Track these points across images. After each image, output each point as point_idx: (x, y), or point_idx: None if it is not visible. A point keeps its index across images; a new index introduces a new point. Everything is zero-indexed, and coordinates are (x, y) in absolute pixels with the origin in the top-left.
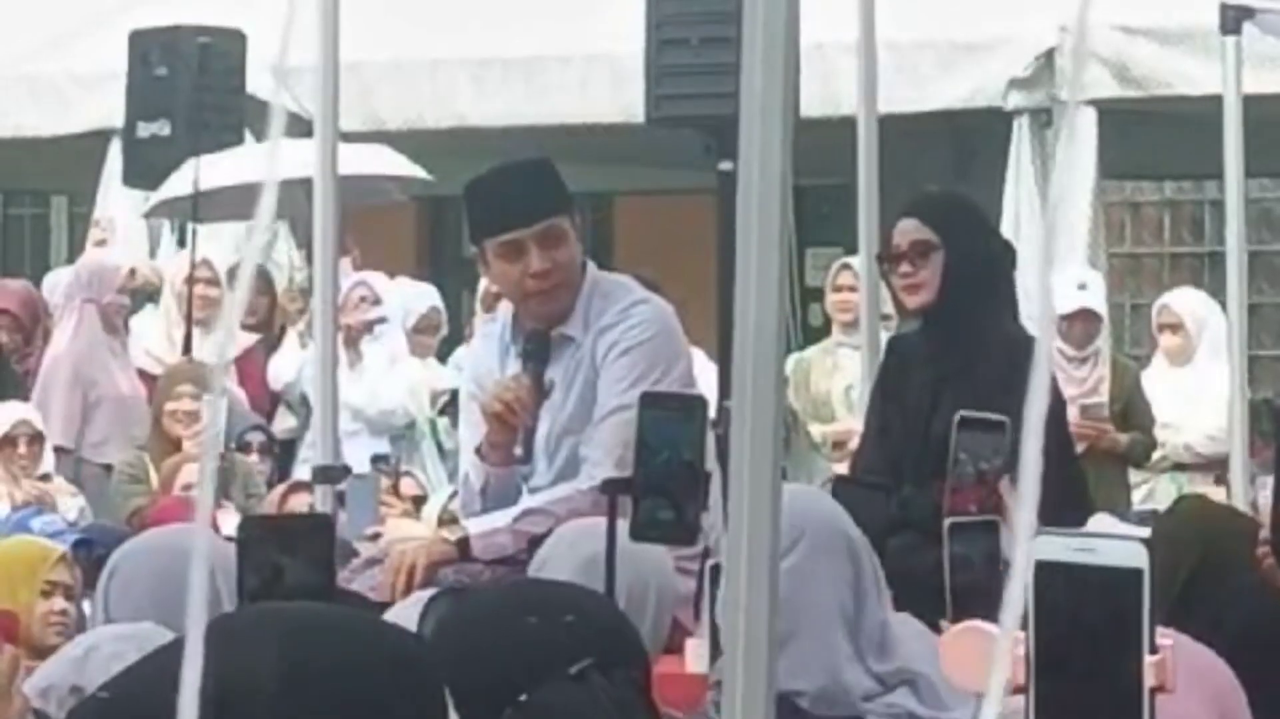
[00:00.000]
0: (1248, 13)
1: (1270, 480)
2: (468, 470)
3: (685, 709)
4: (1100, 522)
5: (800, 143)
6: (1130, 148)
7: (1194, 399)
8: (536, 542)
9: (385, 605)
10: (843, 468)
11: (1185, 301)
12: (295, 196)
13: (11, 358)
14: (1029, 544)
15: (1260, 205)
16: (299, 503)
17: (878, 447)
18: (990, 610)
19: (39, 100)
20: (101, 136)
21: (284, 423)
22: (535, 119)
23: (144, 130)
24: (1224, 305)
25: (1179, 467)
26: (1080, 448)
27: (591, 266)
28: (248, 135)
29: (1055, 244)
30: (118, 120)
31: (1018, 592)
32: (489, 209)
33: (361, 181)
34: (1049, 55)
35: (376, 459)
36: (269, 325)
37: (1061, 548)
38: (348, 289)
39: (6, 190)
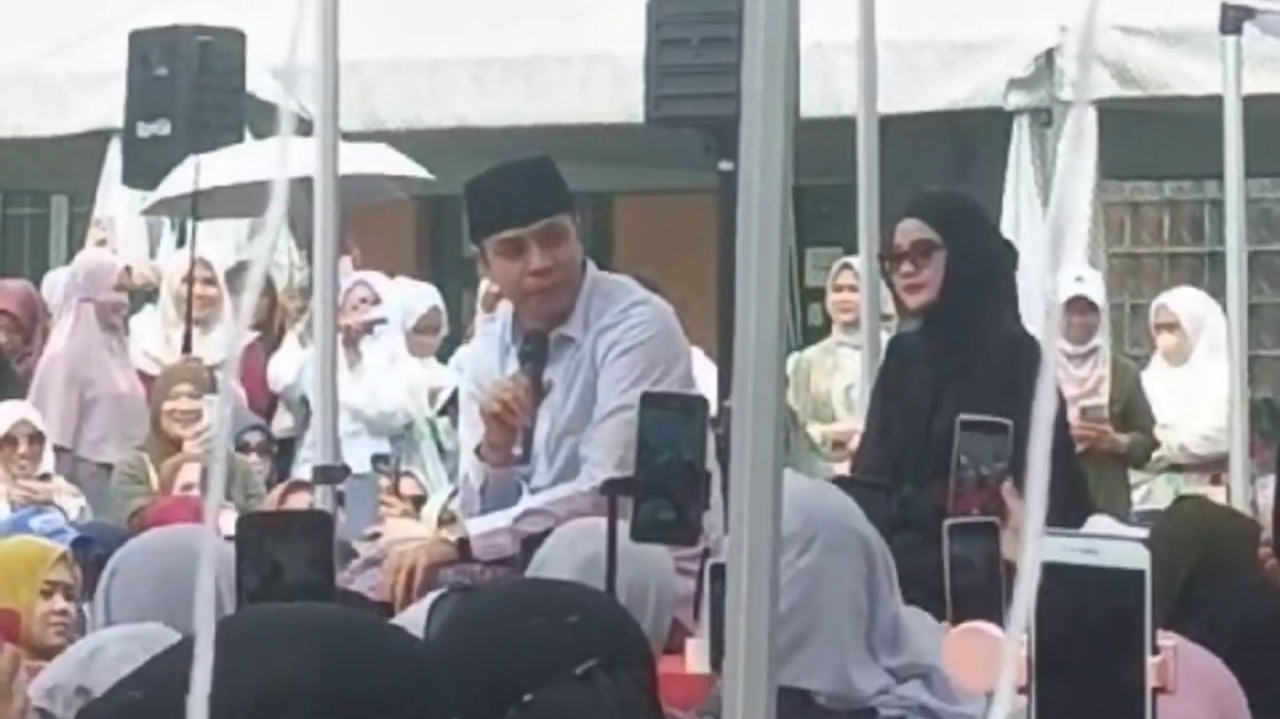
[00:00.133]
0: (1248, 13)
1: (1270, 480)
2: (467, 470)
3: (685, 709)
4: (1099, 524)
5: (800, 143)
6: (1130, 148)
7: (1190, 399)
8: (531, 542)
9: (385, 605)
10: (843, 468)
11: (1182, 301)
12: (295, 196)
13: (11, 358)
14: (1037, 546)
15: (1260, 205)
16: (298, 502)
17: (878, 446)
18: (990, 612)
19: (39, 100)
20: (101, 136)
21: (283, 423)
22: (535, 119)
23: (144, 130)
24: (1224, 305)
25: (1175, 467)
26: (1080, 448)
27: (591, 267)
28: (248, 135)
29: (1062, 247)
30: (118, 120)
31: (1026, 593)
32: (489, 207)
33: (361, 181)
34: (1049, 55)
35: (377, 459)
36: (269, 325)
37: (1063, 549)
38: (347, 289)
39: (6, 190)
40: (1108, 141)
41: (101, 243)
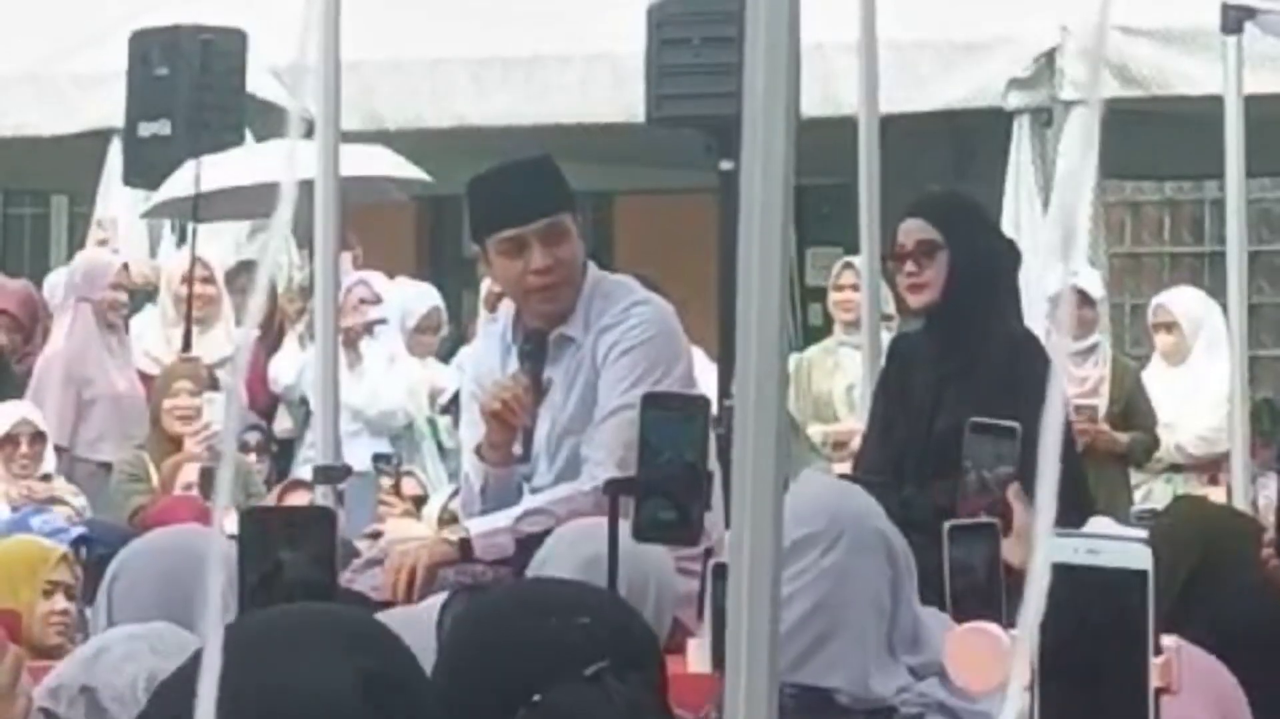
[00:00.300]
0: (1249, 13)
1: (1271, 480)
2: (468, 470)
3: (686, 709)
4: (1098, 526)
5: (800, 142)
6: (1131, 147)
7: (1188, 399)
8: (530, 542)
9: (387, 605)
10: (845, 468)
11: (1180, 301)
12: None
13: (11, 358)
14: (1046, 547)
15: (1260, 205)
16: (298, 501)
17: (880, 446)
18: (990, 614)
19: (40, 100)
20: (102, 136)
21: (284, 424)
22: (536, 118)
23: (144, 130)
24: (1224, 305)
25: (1174, 467)
26: (1078, 448)
27: (593, 267)
28: (248, 135)
29: (1072, 248)
30: (118, 120)
31: (1036, 593)
32: (491, 206)
33: (360, 183)
34: (1049, 55)
35: (378, 459)
36: (269, 325)
37: (1066, 549)
38: (347, 288)
39: (7, 190)
40: (1108, 141)
41: (103, 243)
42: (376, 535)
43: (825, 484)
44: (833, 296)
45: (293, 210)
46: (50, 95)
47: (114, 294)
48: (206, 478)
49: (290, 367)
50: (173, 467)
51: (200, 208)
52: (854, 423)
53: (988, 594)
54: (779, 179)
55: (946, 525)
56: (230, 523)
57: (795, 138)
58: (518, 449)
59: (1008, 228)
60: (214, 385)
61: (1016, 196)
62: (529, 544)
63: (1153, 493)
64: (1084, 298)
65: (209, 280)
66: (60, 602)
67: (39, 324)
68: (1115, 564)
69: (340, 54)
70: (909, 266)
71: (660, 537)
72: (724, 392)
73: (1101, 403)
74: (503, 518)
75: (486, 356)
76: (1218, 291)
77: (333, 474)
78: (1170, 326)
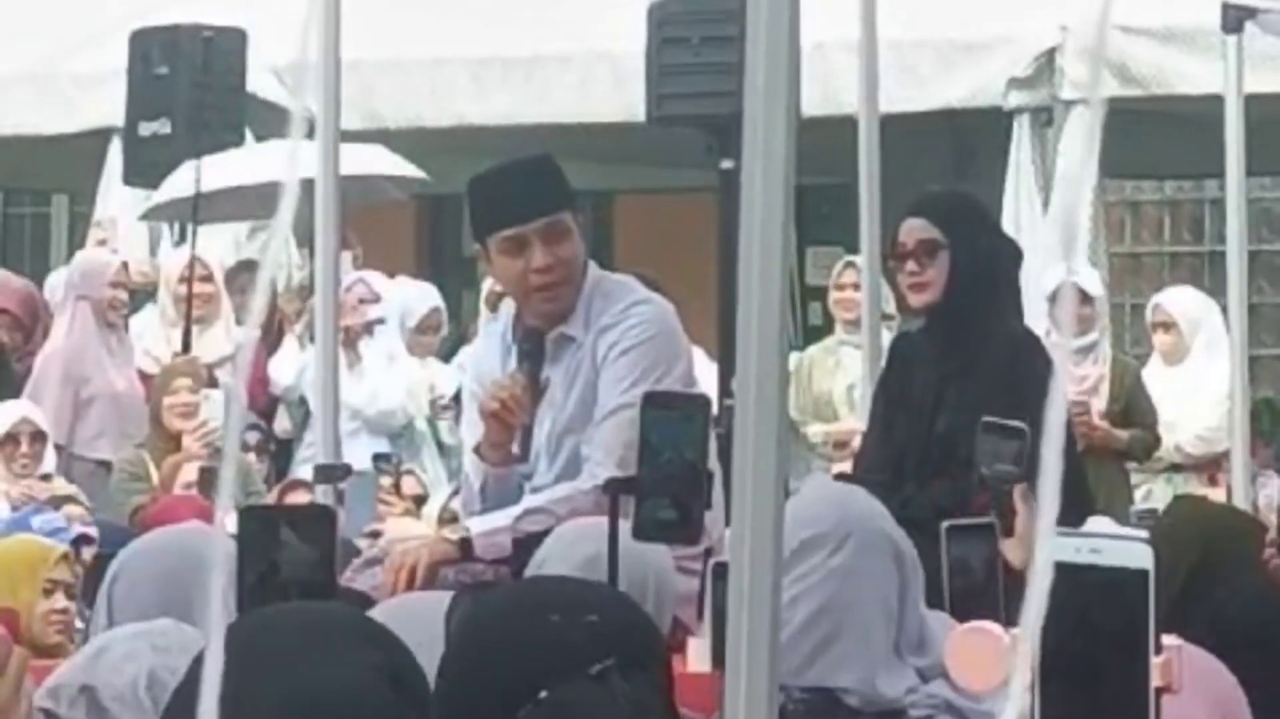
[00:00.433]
0: (1249, 12)
1: (1271, 480)
2: (468, 469)
3: (687, 708)
4: (1097, 526)
5: (800, 142)
6: (1131, 147)
7: (1187, 398)
8: (527, 541)
9: None
10: (845, 467)
11: (1178, 300)
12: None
13: (12, 357)
14: (1048, 546)
15: (1261, 205)
16: (297, 500)
17: (881, 445)
18: (989, 613)
19: (40, 99)
20: (102, 135)
21: (283, 424)
22: (536, 118)
23: (145, 129)
24: (1224, 305)
25: (1173, 467)
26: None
27: (593, 266)
28: (248, 134)
29: (1074, 247)
30: (118, 119)
31: (1039, 593)
32: (492, 205)
33: (359, 182)
34: (1049, 55)
35: (378, 458)
36: (268, 324)
37: (1067, 548)
38: (346, 287)
39: (7, 189)
40: (1108, 141)
41: (102, 243)
42: (376, 534)
43: (832, 487)
44: (834, 296)
45: (292, 212)
46: (50, 94)
47: (114, 293)
48: (206, 477)
49: (289, 367)
50: (173, 466)
51: (199, 209)
52: (855, 422)
53: (986, 594)
54: (779, 178)
55: (944, 525)
56: (229, 521)
57: (796, 137)
58: (516, 449)
59: (1008, 227)
60: (213, 384)
61: (1016, 196)
62: (528, 543)
63: (1153, 493)
64: (1082, 295)
65: (207, 279)
66: (60, 600)
67: (39, 323)
68: (1116, 563)
69: (340, 53)
70: (910, 266)
71: (660, 536)
72: (724, 391)
73: (1101, 401)
74: (503, 517)
75: (487, 356)
76: (1218, 291)
77: (333, 473)
78: (1168, 326)
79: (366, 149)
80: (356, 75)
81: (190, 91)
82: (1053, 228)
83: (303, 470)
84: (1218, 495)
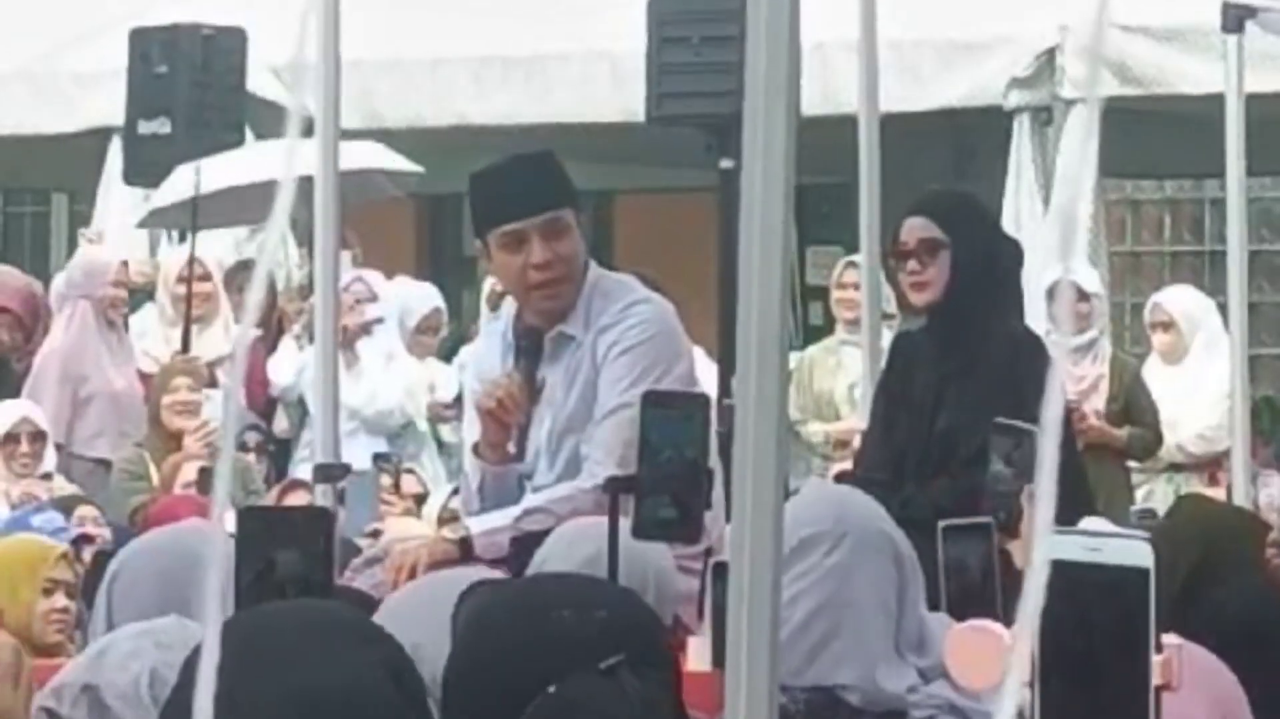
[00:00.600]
0: (1250, 11)
1: (1272, 479)
2: (467, 468)
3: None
4: (1095, 526)
5: (800, 141)
6: (1131, 146)
7: (1187, 397)
8: (527, 541)
9: None
10: (846, 467)
11: (1177, 300)
12: (294, 195)
13: (12, 356)
14: (1045, 544)
15: (1261, 204)
16: (296, 501)
17: (882, 444)
18: (986, 613)
19: (40, 98)
20: (102, 134)
21: (281, 424)
22: (536, 117)
23: (144, 128)
24: (1224, 304)
25: (1174, 466)
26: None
27: (594, 265)
28: (248, 133)
29: (1072, 245)
30: (118, 118)
31: (1035, 590)
32: (493, 200)
33: (355, 177)
34: (1049, 54)
35: (379, 458)
36: (268, 325)
37: (1068, 547)
38: (344, 285)
39: (7, 189)
40: (1108, 140)
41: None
42: (377, 534)
43: (831, 488)
44: (835, 295)
45: (290, 207)
46: (50, 93)
47: (115, 292)
48: (206, 477)
49: (287, 367)
50: (173, 465)
51: (198, 213)
52: (856, 422)
53: (984, 594)
54: (779, 178)
55: (941, 525)
56: (229, 520)
57: (796, 137)
58: (513, 447)
59: (1008, 227)
60: (213, 383)
61: (1017, 195)
62: (528, 543)
63: (1154, 492)
64: (1080, 293)
65: (206, 278)
66: (60, 600)
67: (40, 322)
68: (1117, 562)
69: (340, 52)
70: (911, 265)
71: (660, 535)
72: (724, 391)
73: (1100, 400)
74: (503, 517)
75: (488, 355)
76: (1218, 290)
77: (332, 473)
78: (1167, 326)
79: (361, 145)
80: (356, 75)
81: (190, 91)
82: (1052, 226)
83: (301, 470)
84: (1218, 495)
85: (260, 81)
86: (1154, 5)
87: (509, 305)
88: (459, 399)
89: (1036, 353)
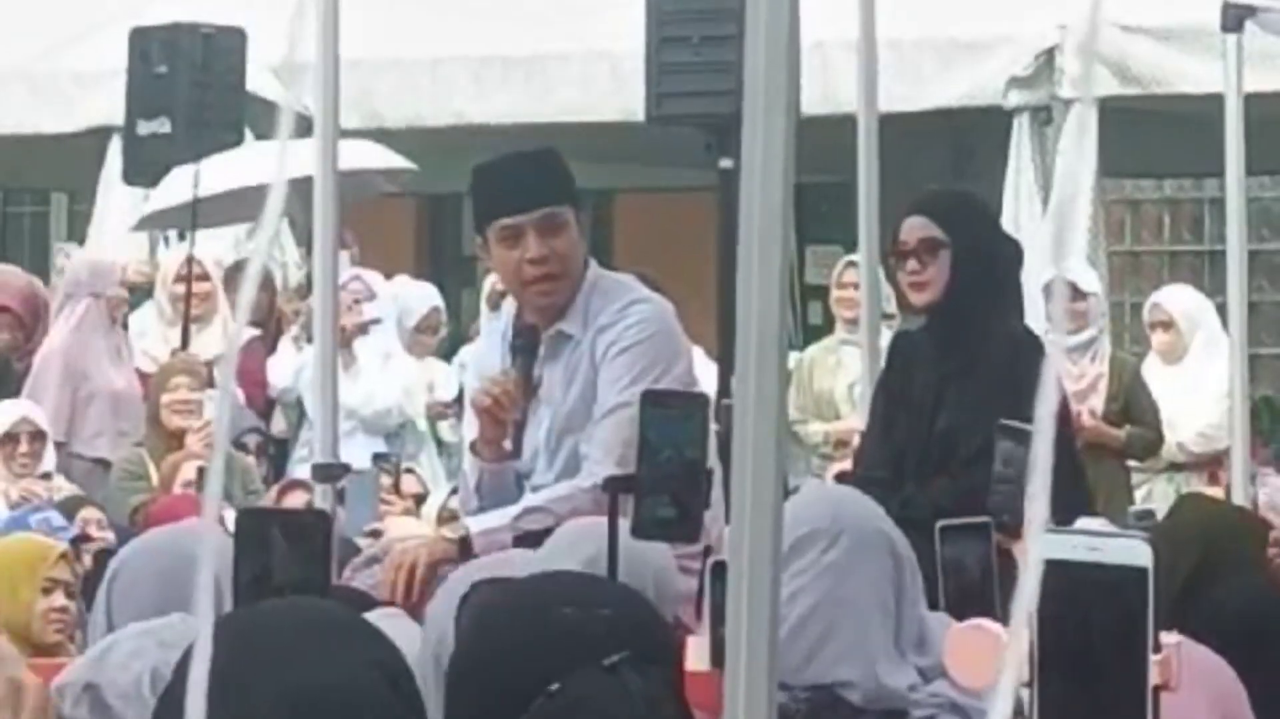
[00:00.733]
0: (1249, 11)
1: (1271, 478)
2: (466, 467)
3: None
4: (1094, 526)
5: (800, 141)
6: (1130, 146)
7: (1186, 397)
8: (526, 540)
9: (387, 603)
10: (846, 466)
11: (1176, 299)
12: (291, 195)
13: (12, 356)
14: (1040, 542)
15: (1260, 204)
16: (295, 501)
17: (881, 444)
18: (985, 613)
19: (39, 98)
20: (102, 134)
21: (279, 425)
22: (535, 117)
23: (144, 128)
24: (1224, 304)
25: (1174, 466)
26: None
27: (593, 264)
28: (248, 133)
29: (1067, 245)
30: (118, 118)
31: (1030, 588)
32: (492, 194)
33: (351, 177)
34: (1049, 54)
35: (378, 457)
36: (268, 322)
37: (1067, 546)
38: (341, 284)
39: (6, 188)
40: (1108, 139)
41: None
42: (377, 534)
43: (828, 487)
44: (835, 295)
45: (283, 205)
46: (50, 93)
47: (120, 292)
48: (205, 476)
49: (285, 368)
50: (172, 465)
51: (197, 214)
52: (856, 421)
53: (982, 593)
54: (779, 177)
55: (939, 525)
56: (228, 520)
57: (795, 136)
58: (509, 445)
59: (1008, 226)
60: (212, 383)
61: (1016, 195)
62: (527, 542)
63: (1154, 492)
64: (1076, 291)
65: (204, 278)
66: (60, 599)
67: (40, 321)
68: (1116, 561)
69: (339, 52)
70: (911, 264)
71: (660, 534)
72: (723, 390)
73: (1099, 399)
74: (502, 516)
75: (489, 354)
76: (1217, 290)
77: (331, 472)
78: (1167, 325)
79: (356, 144)
80: (356, 74)
81: (190, 90)
82: (1047, 225)
83: (299, 471)
84: (1218, 494)
85: (260, 81)
86: (1154, 5)
87: (509, 305)
88: (459, 398)
89: (1037, 353)
